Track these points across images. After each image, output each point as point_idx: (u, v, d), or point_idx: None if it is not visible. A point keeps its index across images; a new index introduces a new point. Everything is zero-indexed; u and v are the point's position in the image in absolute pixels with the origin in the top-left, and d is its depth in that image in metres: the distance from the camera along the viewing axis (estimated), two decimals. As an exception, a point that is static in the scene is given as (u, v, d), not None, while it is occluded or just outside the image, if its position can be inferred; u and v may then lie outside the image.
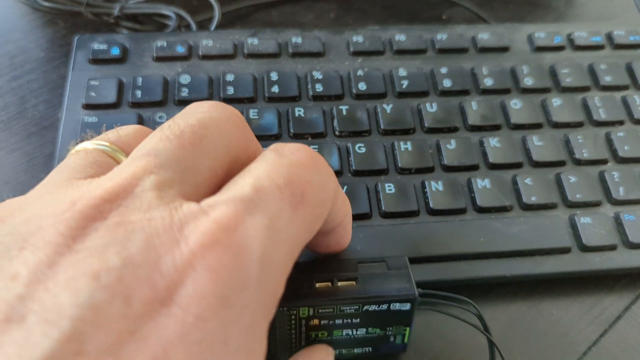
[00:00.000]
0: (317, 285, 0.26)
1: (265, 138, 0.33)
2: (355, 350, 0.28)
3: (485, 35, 0.38)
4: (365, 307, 0.26)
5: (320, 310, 0.25)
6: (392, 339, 0.27)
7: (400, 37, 0.37)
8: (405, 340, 0.28)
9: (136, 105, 0.33)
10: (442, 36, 0.37)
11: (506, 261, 0.30)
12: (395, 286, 0.26)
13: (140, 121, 0.33)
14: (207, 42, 0.36)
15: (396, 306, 0.26)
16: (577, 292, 0.32)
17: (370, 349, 0.28)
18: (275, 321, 0.26)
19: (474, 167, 0.33)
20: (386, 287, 0.26)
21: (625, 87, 0.36)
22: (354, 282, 0.26)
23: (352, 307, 0.26)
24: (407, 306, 0.26)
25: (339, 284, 0.26)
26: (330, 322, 0.26)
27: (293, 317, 0.25)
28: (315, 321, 0.26)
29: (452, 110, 0.34)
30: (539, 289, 0.32)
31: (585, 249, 0.31)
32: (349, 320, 0.26)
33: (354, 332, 0.27)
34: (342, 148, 0.33)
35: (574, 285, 0.32)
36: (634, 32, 0.38)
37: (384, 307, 0.26)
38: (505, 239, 0.31)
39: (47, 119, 0.37)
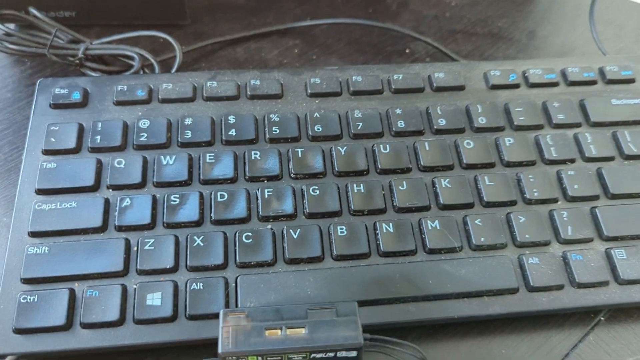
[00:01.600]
0: (267, 332, 0.26)
1: (222, 182, 0.34)
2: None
3: (441, 74, 0.38)
4: (312, 355, 0.26)
5: (268, 359, 0.26)
6: (338, 384, 0.28)
7: (357, 77, 0.38)
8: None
9: (95, 150, 0.34)
10: (398, 76, 0.38)
11: (454, 302, 0.31)
12: (342, 334, 0.26)
13: (99, 166, 0.33)
14: (167, 86, 0.37)
15: (343, 354, 0.26)
16: (526, 330, 0.32)
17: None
18: None
19: (425, 208, 0.33)
20: (333, 336, 0.26)
21: (577, 125, 0.37)
22: (302, 330, 0.26)
23: (300, 355, 0.26)
24: (353, 353, 0.27)
25: (288, 331, 0.26)
26: None
27: None
28: None
29: (405, 151, 0.35)
30: (489, 328, 0.32)
31: (532, 289, 0.31)
32: None
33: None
34: (297, 190, 0.34)
35: (523, 325, 0.32)
36: (588, 69, 0.39)
37: (331, 354, 0.26)
38: (453, 281, 0.31)
39: (12, 161, 0.37)
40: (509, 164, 0.35)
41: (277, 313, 0.27)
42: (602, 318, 0.33)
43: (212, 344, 0.28)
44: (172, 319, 0.30)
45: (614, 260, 0.32)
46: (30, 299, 0.30)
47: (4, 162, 0.37)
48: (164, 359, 0.30)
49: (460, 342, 0.32)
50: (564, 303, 0.31)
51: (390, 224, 0.33)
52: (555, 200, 0.34)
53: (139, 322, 0.29)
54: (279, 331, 0.27)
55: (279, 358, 0.26)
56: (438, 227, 0.33)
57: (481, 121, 0.37)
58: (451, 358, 0.31)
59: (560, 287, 0.32)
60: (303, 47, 0.45)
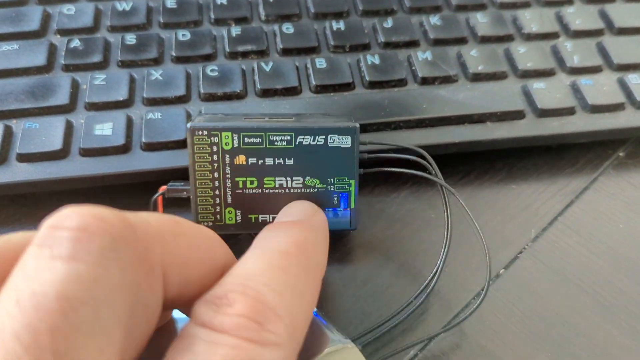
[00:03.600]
0: (245, 118, 0.22)
1: (184, 25, 0.30)
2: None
3: None
4: (298, 140, 0.22)
5: (246, 140, 0.22)
6: (335, 199, 0.23)
7: None
8: (352, 203, 0.23)
9: (43, 2, 0.31)
10: None
11: (454, 128, 0.27)
12: (334, 121, 0.22)
13: (46, 14, 0.30)
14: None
15: (334, 140, 0.22)
16: (538, 166, 0.28)
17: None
18: (194, 162, 0.22)
19: (414, 44, 0.30)
20: (324, 121, 0.22)
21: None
22: (291, 119, 0.22)
23: (283, 138, 0.22)
24: (347, 141, 0.22)
25: (271, 120, 0.22)
26: (260, 162, 0.22)
27: (215, 148, 0.22)
28: (241, 158, 0.22)
29: (389, -6, 0.32)
30: (497, 163, 0.28)
31: (541, 113, 0.28)
32: (281, 160, 0.22)
33: (289, 183, 0.22)
34: (269, 31, 0.30)
35: (535, 160, 0.29)
36: None
37: (321, 140, 0.22)
38: (451, 105, 0.27)
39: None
40: (502, 5, 0.32)
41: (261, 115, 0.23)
42: (621, 154, 0.29)
43: (171, 178, 0.23)
44: (125, 149, 0.25)
45: (628, 84, 0.29)
46: (-44, 134, 0.25)
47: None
48: (120, 199, 0.26)
49: (466, 177, 0.28)
50: (578, 126, 0.27)
51: (376, 56, 0.29)
52: (556, 35, 0.31)
53: (86, 152, 0.25)
54: (262, 118, 0.22)
55: (259, 140, 0.22)
56: (429, 58, 0.29)
57: (469, -30, 0.34)
58: (458, 195, 0.27)
59: (571, 111, 0.28)
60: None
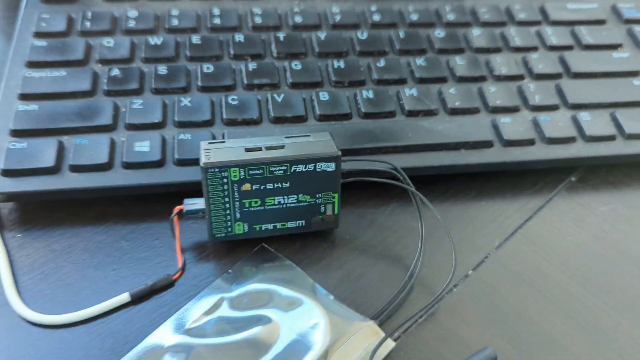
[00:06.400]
0: (246, 150, 0.27)
1: (207, 59, 0.35)
2: (289, 225, 0.29)
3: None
4: (293, 168, 0.27)
5: (250, 172, 0.27)
6: (322, 208, 0.29)
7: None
8: (336, 210, 0.29)
9: (85, 34, 0.36)
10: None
11: (434, 154, 0.32)
12: (320, 148, 0.27)
13: (88, 46, 0.35)
14: (154, -14, 0.39)
15: (322, 166, 0.27)
16: (503, 186, 0.34)
17: (303, 222, 0.29)
18: (208, 192, 0.27)
19: (402, 81, 0.35)
20: (312, 149, 0.27)
21: (538, 23, 0.40)
22: (282, 148, 0.27)
23: (280, 168, 0.27)
24: (332, 166, 0.27)
25: (267, 150, 0.27)
26: (262, 187, 0.27)
27: (225, 180, 0.27)
28: (247, 185, 0.27)
29: (381, 39, 0.37)
30: (469, 184, 0.34)
31: (506, 143, 0.33)
32: (279, 185, 0.27)
33: (286, 200, 0.28)
34: (280, 67, 0.35)
35: (500, 181, 0.34)
36: (544, -16, 0.43)
37: (310, 167, 0.27)
38: (432, 135, 0.33)
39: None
40: (477, 50, 0.38)
41: (256, 140, 0.28)
42: (572, 179, 0.35)
43: (198, 190, 0.28)
44: (160, 163, 0.30)
45: (580, 121, 0.34)
46: (19, 146, 0.30)
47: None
48: (154, 206, 0.31)
49: (443, 195, 0.33)
50: (536, 155, 0.33)
51: (370, 91, 0.34)
52: (522, 77, 0.37)
53: (127, 165, 0.30)
54: (259, 149, 0.27)
55: (261, 171, 0.27)
56: (415, 94, 0.34)
57: (450, 17, 0.39)
58: (436, 210, 0.32)
59: (531, 142, 0.33)
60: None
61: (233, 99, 0.33)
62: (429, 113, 0.34)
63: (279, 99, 0.33)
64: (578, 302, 0.29)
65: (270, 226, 0.29)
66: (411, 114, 0.34)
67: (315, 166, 0.27)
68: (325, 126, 0.33)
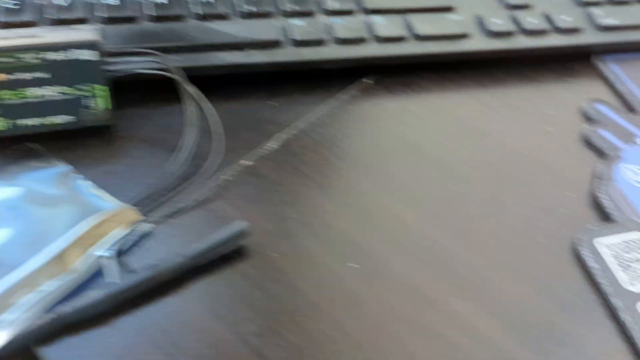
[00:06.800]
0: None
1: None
2: (57, 120, 0.28)
3: None
4: (48, 56, 0.26)
5: (0, 60, 0.26)
6: (90, 102, 0.28)
7: None
8: (107, 105, 0.29)
9: None
10: None
11: (220, 53, 0.32)
12: (78, 36, 0.27)
13: None
14: None
15: (80, 54, 0.27)
16: (291, 86, 0.34)
17: (74, 117, 0.29)
18: None
19: (196, -12, 0.35)
20: (69, 38, 0.27)
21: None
22: (39, 38, 0.27)
23: (34, 56, 0.26)
24: (91, 54, 0.27)
25: (22, 38, 0.27)
26: (18, 77, 0.27)
27: None
28: (2, 76, 0.26)
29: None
30: (260, 86, 0.34)
31: (296, 43, 0.34)
32: (39, 75, 0.27)
33: (46, 92, 0.27)
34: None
35: (290, 82, 0.34)
36: None
37: (68, 55, 0.27)
38: (218, 35, 0.33)
39: None
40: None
41: (14, 30, 0.27)
42: (366, 80, 0.36)
43: None
44: None
45: (373, 24, 0.35)
46: None
47: None
48: None
49: (232, 96, 0.33)
50: (326, 55, 0.34)
51: (160, -5, 0.34)
52: (320, -15, 0.37)
53: None
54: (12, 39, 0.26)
55: (11, 59, 0.26)
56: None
57: None
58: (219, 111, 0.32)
59: (321, 42, 0.34)
60: None
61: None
62: (220, 17, 0.34)
63: (64, 2, 0.32)
64: (358, 191, 0.30)
65: (34, 122, 0.28)
66: (201, 17, 0.34)
67: (71, 54, 0.27)
68: (112, 29, 0.32)
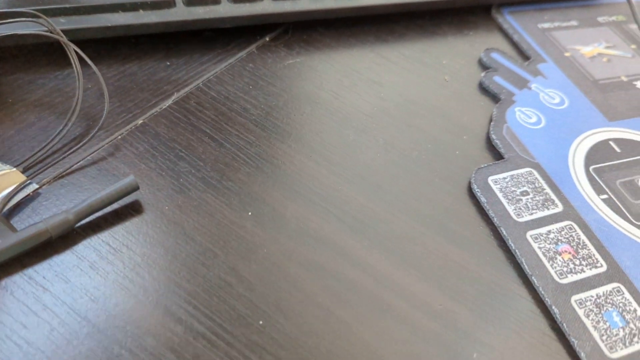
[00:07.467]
0: None
1: None
2: None
3: None
4: None
5: None
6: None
7: None
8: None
9: None
10: None
11: (109, 15, 0.32)
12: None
13: None
14: None
15: None
16: (194, 47, 0.34)
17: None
18: None
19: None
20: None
21: None
22: None
23: None
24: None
25: None
26: None
27: None
28: None
29: None
30: (157, 47, 0.33)
31: (189, 2, 0.33)
32: None
33: None
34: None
35: (191, 43, 0.34)
36: None
37: None
38: (107, -3, 0.32)
39: None
40: None
41: None
42: (266, 38, 0.36)
43: None
44: None
45: (268, -19, 0.35)
46: None
47: None
48: None
49: (127, 58, 0.33)
50: (220, 12, 0.33)
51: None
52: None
53: None
54: None
55: None
56: (96, -39, 0.33)
57: None
58: (114, 76, 0.32)
59: (217, 1, 0.34)
60: None
61: None
62: (110, -21, 0.33)
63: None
64: (254, 144, 0.30)
65: None
66: (90, -21, 0.33)
67: None
68: (-10, -8, 0.31)
